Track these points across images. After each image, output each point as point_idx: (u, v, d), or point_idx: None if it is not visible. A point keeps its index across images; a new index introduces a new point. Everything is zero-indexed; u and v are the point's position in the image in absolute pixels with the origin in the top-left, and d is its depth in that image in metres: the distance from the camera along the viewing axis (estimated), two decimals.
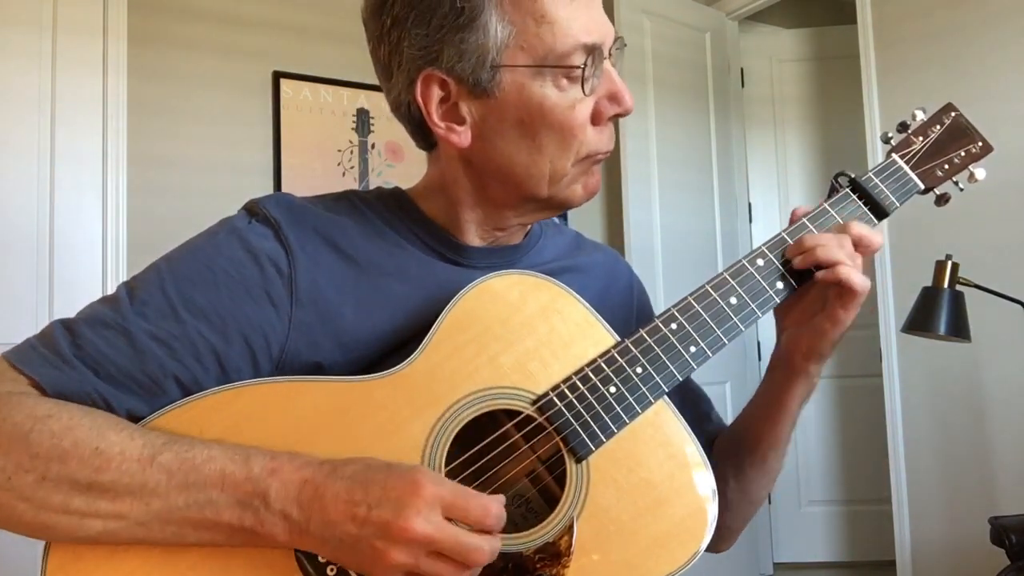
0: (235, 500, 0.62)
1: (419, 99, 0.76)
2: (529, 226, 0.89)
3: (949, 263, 2.01)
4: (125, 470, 0.62)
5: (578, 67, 0.74)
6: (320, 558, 0.65)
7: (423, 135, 0.82)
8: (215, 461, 0.63)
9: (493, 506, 0.64)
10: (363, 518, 0.61)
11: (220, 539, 0.64)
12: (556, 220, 0.95)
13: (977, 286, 2.05)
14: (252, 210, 0.78)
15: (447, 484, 0.63)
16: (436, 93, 0.76)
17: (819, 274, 0.76)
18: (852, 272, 0.75)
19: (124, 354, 0.68)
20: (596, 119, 0.77)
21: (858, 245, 0.78)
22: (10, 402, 0.64)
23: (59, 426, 0.63)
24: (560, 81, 0.74)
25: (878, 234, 0.79)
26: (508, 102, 0.75)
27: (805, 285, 0.80)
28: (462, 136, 0.77)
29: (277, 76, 2.75)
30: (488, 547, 0.62)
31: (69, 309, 0.73)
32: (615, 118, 0.79)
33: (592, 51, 0.74)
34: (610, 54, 0.77)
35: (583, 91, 0.75)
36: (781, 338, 0.83)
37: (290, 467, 0.64)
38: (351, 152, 2.86)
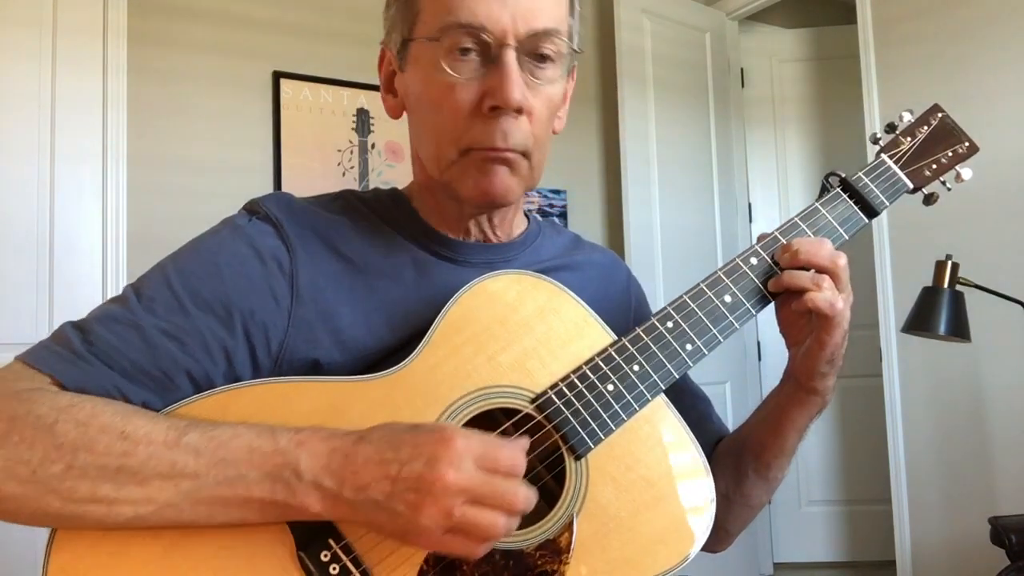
0: (265, 473, 0.62)
1: (379, 73, 0.85)
2: (527, 223, 0.89)
3: (949, 263, 2.01)
4: (152, 453, 0.62)
5: (442, 42, 0.73)
6: (323, 556, 0.65)
7: None
8: (241, 437, 0.63)
9: (521, 455, 0.64)
10: (395, 476, 0.61)
11: (251, 516, 0.63)
12: (556, 220, 0.96)
13: (977, 286, 2.05)
14: (253, 209, 0.79)
15: (475, 435, 0.64)
16: (387, 68, 0.84)
17: (793, 305, 0.77)
18: (817, 297, 0.75)
19: (136, 349, 0.68)
20: (478, 109, 0.75)
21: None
22: (31, 397, 0.64)
23: (83, 415, 0.63)
24: (440, 59, 0.74)
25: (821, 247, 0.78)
26: (413, 76, 0.79)
27: (783, 297, 0.80)
28: (391, 107, 0.83)
29: (277, 76, 2.76)
30: (523, 491, 0.63)
31: (69, 309, 0.74)
32: (494, 111, 0.74)
33: (469, 32, 0.73)
34: (513, 46, 0.74)
35: (448, 70, 0.74)
36: (789, 355, 0.83)
37: (317, 438, 0.64)
38: (351, 152, 2.87)
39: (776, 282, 0.79)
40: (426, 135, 0.79)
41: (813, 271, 0.77)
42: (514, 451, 0.64)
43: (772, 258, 0.80)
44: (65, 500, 0.61)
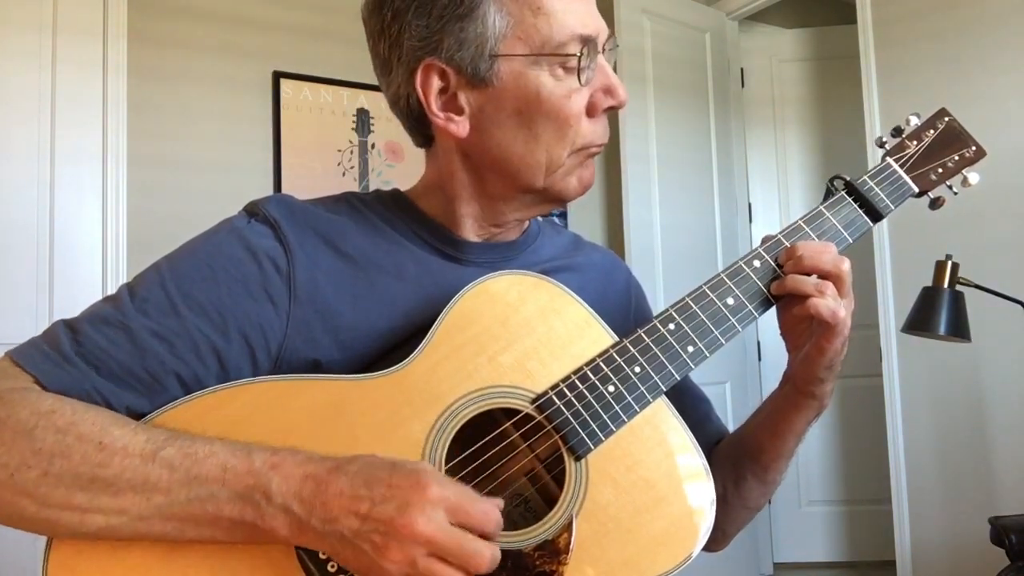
0: (236, 494, 0.62)
1: (419, 89, 0.77)
2: (527, 223, 0.89)
3: (949, 263, 2.01)
4: (128, 465, 0.62)
5: (573, 55, 0.76)
6: (321, 555, 0.65)
7: (421, 130, 0.83)
8: (217, 456, 0.63)
9: (494, 512, 0.64)
10: (365, 514, 0.61)
11: (220, 535, 0.64)
12: (555, 220, 0.96)
13: (977, 286, 2.05)
14: (252, 210, 0.79)
15: (451, 486, 0.63)
16: (436, 83, 0.77)
17: (795, 309, 0.77)
18: (819, 304, 0.74)
19: (125, 351, 0.69)
20: (591, 111, 0.79)
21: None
22: (13, 399, 0.64)
23: (63, 421, 0.63)
24: (556, 71, 0.76)
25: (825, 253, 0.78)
26: (506, 91, 0.76)
27: (783, 301, 0.80)
28: (460, 126, 0.78)
29: (277, 76, 2.76)
30: (489, 553, 0.62)
31: (69, 309, 0.74)
32: (609, 110, 0.80)
33: (587, 42, 0.76)
34: (603, 50, 0.79)
35: (579, 81, 0.77)
36: (788, 359, 0.83)
37: (292, 462, 0.64)
38: (351, 152, 2.87)
39: (779, 285, 0.78)
40: (533, 144, 0.78)
41: (816, 276, 0.77)
42: (488, 508, 0.63)
43: (776, 261, 0.80)
44: (40, 505, 0.62)
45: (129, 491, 0.62)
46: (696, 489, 0.74)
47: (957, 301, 2.00)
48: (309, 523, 0.62)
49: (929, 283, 2.03)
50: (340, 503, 0.61)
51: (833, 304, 0.75)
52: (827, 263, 0.77)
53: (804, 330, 0.79)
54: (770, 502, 3.57)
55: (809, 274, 0.77)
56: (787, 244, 0.80)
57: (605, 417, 0.73)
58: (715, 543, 0.90)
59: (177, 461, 0.63)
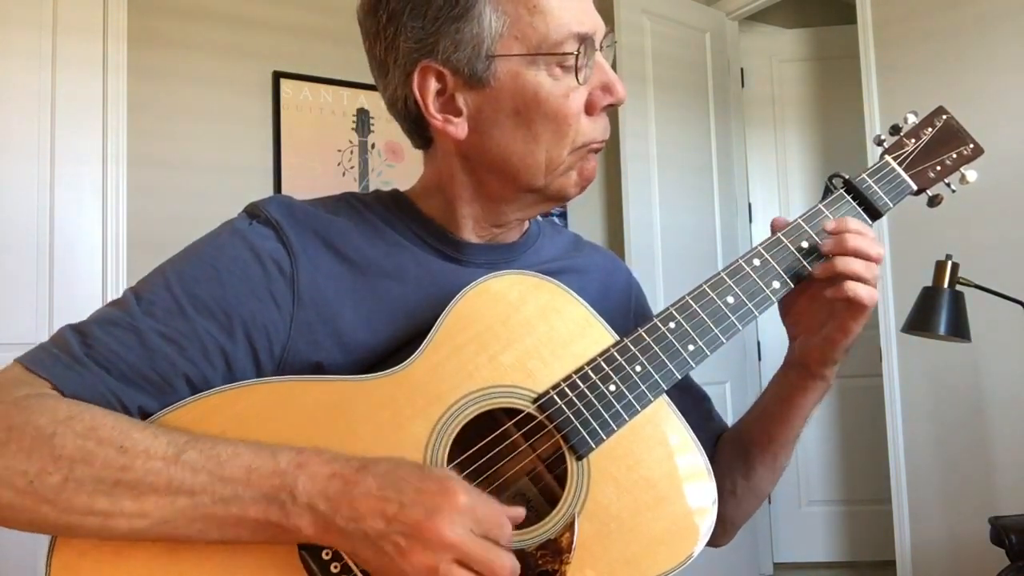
0: (261, 494, 0.62)
1: (416, 91, 0.77)
2: (527, 224, 0.89)
3: (949, 263, 2.02)
4: (151, 468, 0.62)
5: (571, 54, 0.75)
6: (324, 554, 0.65)
7: (419, 132, 0.83)
8: (241, 457, 0.63)
9: (509, 524, 0.65)
10: (392, 515, 0.61)
11: (244, 535, 0.63)
12: (555, 220, 0.96)
13: (977, 286, 2.05)
14: (253, 212, 0.79)
15: (476, 495, 0.64)
16: (433, 85, 0.77)
17: (828, 292, 0.77)
18: (861, 288, 0.75)
19: (135, 352, 0.68)
20: (590, 109, 0.79)
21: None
22: (30, 406, 0.63)
23: (82, 427, 0.63)
24: (554, 70, 0.76)
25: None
26: (504, 91, 0.76)
27: (802, 284, 0.80)
28: (459, 128, 0.78)
29: (277, 76, 2.76)
30: (511, 564, 0.63)
31: (69, 309, 0.74)
32: (608, 108, 0.80)
33: (584, 40, 0.76)
34: (601, 47, 0.79)
35: (577, 80, 0.76)
36: (793, 345, 0.84)
37: (318, 461, 0.64)
38: (351, 152, 2.87)
39: (826, 268, 0.78)
40: (532, 144, 0.77)
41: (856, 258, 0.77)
42: (508, 518, 0.65)
43: (775, 259, 0.80)
44: (61, 511, 0.61)
45: (152, 494, 0.62)
46: (697, 488, 0.74)
47: (957, 301, 2.00)
48: (334, 521, 0.62)
49: (929, 283, 2.03)
50: (367, 503, 0.62)
51: (872, 288, 0.76)
52: (873, 247, 0.77)
53: (819, 314, 0.79)
54: (770, 501, 3.57)
55: (851, 255, 0.77)
56: (786, 242, 0.81)
57: (606, 416, 0.73)
58: (723, 536, 0.90)
59: (200, 463, 0.63)
